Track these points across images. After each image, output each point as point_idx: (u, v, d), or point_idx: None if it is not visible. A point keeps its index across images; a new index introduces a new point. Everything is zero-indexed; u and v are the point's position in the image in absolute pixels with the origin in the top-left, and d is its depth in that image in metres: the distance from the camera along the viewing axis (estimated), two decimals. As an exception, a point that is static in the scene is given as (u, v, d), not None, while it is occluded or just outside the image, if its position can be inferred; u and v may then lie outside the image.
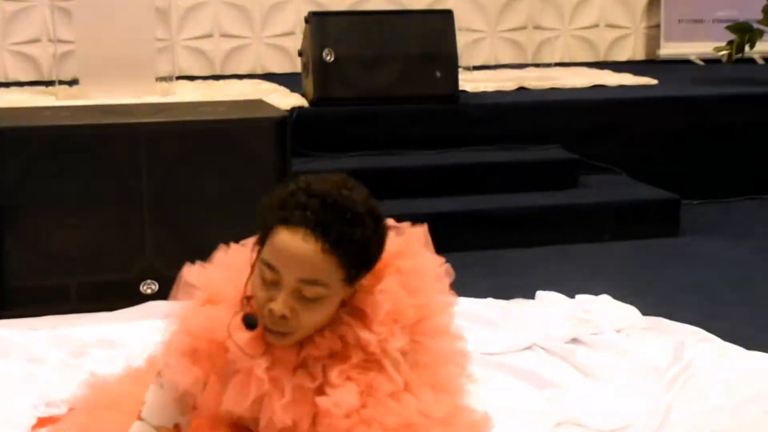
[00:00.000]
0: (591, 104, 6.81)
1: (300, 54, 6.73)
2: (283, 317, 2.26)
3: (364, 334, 2.36)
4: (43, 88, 7.22)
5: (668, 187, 6.27)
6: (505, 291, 4.77)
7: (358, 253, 2.30)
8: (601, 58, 8.70)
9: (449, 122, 6.54)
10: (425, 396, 2.44)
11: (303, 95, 6.61)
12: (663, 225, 6.02)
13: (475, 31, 8.36)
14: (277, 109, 5.12)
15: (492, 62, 8.42)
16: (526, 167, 6.29)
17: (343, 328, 2.37)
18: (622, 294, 4.60)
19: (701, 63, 8.47)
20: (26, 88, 7.32)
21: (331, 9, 7.75)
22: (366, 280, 2.40)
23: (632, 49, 8.80)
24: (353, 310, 2.40)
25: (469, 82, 7.12)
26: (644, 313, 4.42)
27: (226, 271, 2.50)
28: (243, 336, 2.34)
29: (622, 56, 8.74)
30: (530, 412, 3.58)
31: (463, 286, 4.76)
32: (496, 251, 5.63)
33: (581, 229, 5.90)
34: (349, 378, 2.35)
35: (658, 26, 8.68)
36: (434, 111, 6.52)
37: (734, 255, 5.60)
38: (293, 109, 6.12)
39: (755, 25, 7.38)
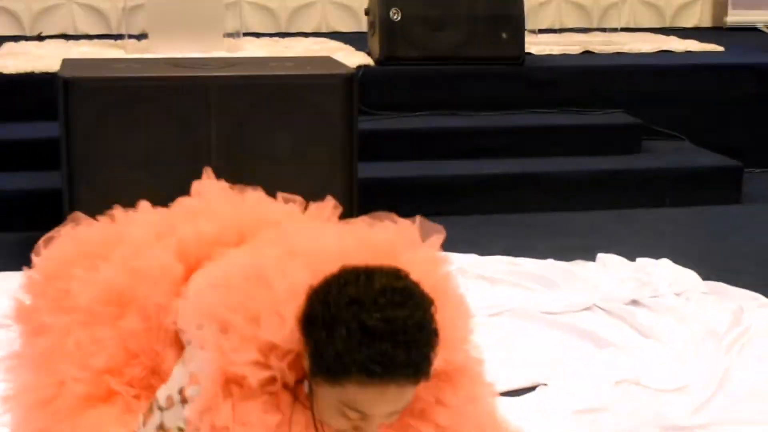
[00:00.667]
0: (656, 70, 6.80)
1: (366, 13, 6.73)
2: None
3: None
4: (111, 41, 7.26)
5: (731, 155, 6.26)
6: (566, 253, 4.81)
7: (430, 365, 2.05)
8: (667, 24, 8.64)
9: (514, 84, 6.53)
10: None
11: (369, 54, 6.62)
12: (725, 192, 6.01)
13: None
14: (346, 66, 5.12)
15: (557, 26, 8.38)
16: (590, 131, 6.29)
17: None
18: (682, 259, 4.64)
19: (768, 31, 8.42)
20: (95, 41, 7.37)
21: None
22: None
23: (699, 16, 8.74)
24: None
25: (535, 45, 7.10)
26: (704, 278, 4.45)
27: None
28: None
29: (689, 23, 8.69)
30: (589, 371, 3.62)
31: (524, 248, 4.87)
32: (558, 214, 5.65)
33: (643, 194, 5.90)
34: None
35: (726, -8, 8.65)
36: (499, 73, 6.51)
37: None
38: (359, 67, 6.10)
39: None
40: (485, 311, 4.12)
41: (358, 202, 4.62)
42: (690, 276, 4.47)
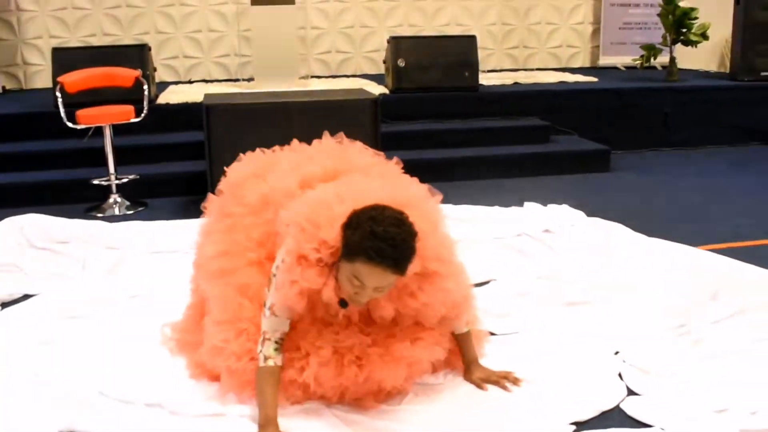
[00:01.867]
0: (557, 92, 6.73)
1: (384, 62, 6.71)
2: (363, 302, 2.22)
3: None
4: (232, 83, 7.28)
5: (603, 143, 6.20)
6: (505, 203, 4.79)
7: (409, 263, 2.16)
8: (563, 65, 8.57)
9: (472, 103, 6.47)
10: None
11: (385, 86, 6.60)
12: (600, 165, 5.95)
13: (487, 48, 8.27)
14: (372, 93, 5.12)
15: (498, 68, 8.33)
16: (517, 130, 6.22)
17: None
18: (574, 204, 4.62)
19: (623, 69, 8.32)
20: (222, 83, 7.37)
21: (403, 35, 7.72)
22: None
23: (582, 60, 8.64)
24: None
25: (485, 79, 7.06)
26: (588, 215, 4.44)
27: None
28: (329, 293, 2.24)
29: (576, 64, 8.60)
30: (519, 270, 3.65)
31: (480, 201, 4.87)
32: (500, 180, 5.64)
33: (550, 168, 5.85)
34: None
35: (598, 46, 8.54)
36: (463, 96, 6.47)
37: (643, 185, 5.55)
38: (380, 94, 6.04)
39: (657, 45, 7.26)
40: (459, 239, 4.12)
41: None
42: (579, 214, 4.46)
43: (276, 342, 2.30)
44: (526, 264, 3.73)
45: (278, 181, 2.55)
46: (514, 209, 4.63)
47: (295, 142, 2.80)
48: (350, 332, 2.37)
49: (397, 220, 2.13)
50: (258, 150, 2.78)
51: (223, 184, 2.72)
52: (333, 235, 2.18)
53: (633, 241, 3.97)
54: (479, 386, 2.55)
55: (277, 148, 2.77)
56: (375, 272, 2.10)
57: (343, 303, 2.27)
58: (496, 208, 4.65)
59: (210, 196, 2.76)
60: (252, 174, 2.66)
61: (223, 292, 2.50)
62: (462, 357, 2.60)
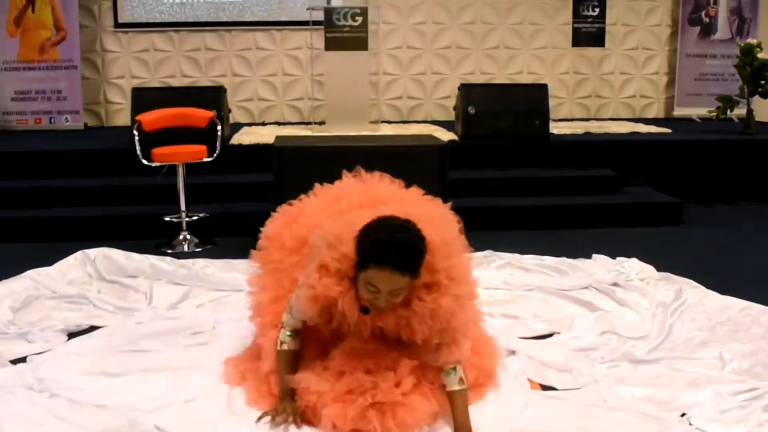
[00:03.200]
0: (629, 143, 6.61)
1: (454, 109, 6.73)
2: (381, 308, 2.38)
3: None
4: (303, 126, 7.39)
5: (675, 195, 6.04)
6: (574, 253, 4.70)
7: (419, 266, 2.35)
8: (636, 115, 8.46)
9: (543, 152, 6.42)
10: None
11: (455, 133, 6.59)
12: (672, 218, 5.79)
13: (559, 97, 8.24)
14: (441, 140, 5.13)
15: (569, 117, 8.28)
16: (588, 180, 6.12)
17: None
18: (645, 258, 4.49)
19: (699, 120, 8.16)
20: (295, 126, 7.48)
21: (474, 82, 7.75)
22: None
23: (656, 111, 8.52)
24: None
25: (556, 128, 7.00)
26: (658, 270, 4.32)
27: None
28: (350, 302, 2.43)
29: (650, 115, 8.48)
30: (585, 325, 3.55)
31: (548, 250, 4.79)
32: (569, 231, 5.53)
33: (623, 220, 5.72)
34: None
35: (672, 97, 8.40)
36: (533, 144, 6.43)
37: (717, 240, 5.37)
38: (449, 140, 6.09)
39: (734, 97, 7.10)
40: (523, 288, 4.07)
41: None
42: (649, 268, 4.34)
43: (290, 331, 2.60)
44: (592, 318, 3.64)
45: (309, 218, 2.75)
46: (582, 261, 4.54)
47: (317, 186, 2.98)
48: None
49: (403, 226, 2.33)
50: (286, 203, 2.96)
51: (262, 239, 2.87)
52: (351, 248, 2.36)
53: (705, 298, 3.85)
54: None
55: (303, 195, 2.96)
56: (385, 275, 2.29)
57: (365, 310, 2.44)
58: (564, 258, 4.56)
59: (252, 252, 2.90)
60: (285, 224, 2.84)
61: (271, 346, 2.67)
62: (454, 422, 2.48)
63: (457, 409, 2.47)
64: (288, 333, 2.60)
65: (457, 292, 2.43)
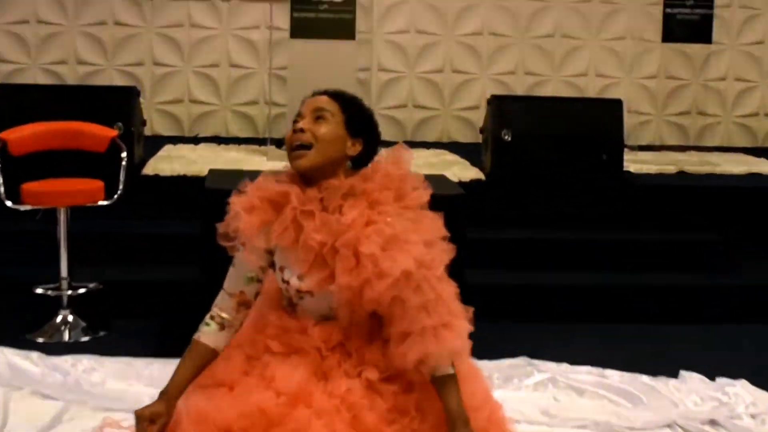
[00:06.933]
0: (746, 190, 6.62)
1: (481, 131, 6.74)
2: (302, 130, 2.93)
3: (368, 184, 2.93)
4: (256, 147, 7.36)
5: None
6: (650, 364, 4.63)
7: (354, 109, 3.04)
8: (760, 143, 8.47)
9: (610, 201, 6.42)
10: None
11: (481, 169, 6.59)
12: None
13: (641, 113, 8.26)
14: (456, 187, 5.09)
15: (657, 143, 8.29)
16: (678, 247, 6.11)
17: (352, 180, 2.94)
18: (760, 379, 4.43)
19: None
20: (243, 146, 7.46)
21: (513, 89, 7.78)
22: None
23: (789, 137, 8.58)
24: (360, 176, 2.96)
25: (633, 163, 7.00)
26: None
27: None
28: (282, 177, 3.02)
29: (780, 143, 8.53)
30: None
31: (611, 357, 4.74)
32: (644, 325, 5.46)
33: (730, 311, 5.67)
34: (355, 208, 2.91)
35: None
36: (598, 189, 6.43)
37: None
38: (473, 181, 6.13)
39: None
40: (572, 423, 4.03)
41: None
42: (766, 399, 4.27)
43: (211, 316, 2.99)
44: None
45: None
46: (663, 381, 4.48)
47: None
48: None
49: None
50: None
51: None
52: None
53: None
54: None
55: None
56: (313, 96, 3.04)
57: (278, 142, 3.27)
58: (637, 376, 4.51)
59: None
60: None
61: None
62: (444, 410, 2.84)
63: (449, 395, 2.84)
64: (207, 320, 3.00)
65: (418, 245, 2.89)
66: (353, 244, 2.85)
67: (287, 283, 2.97)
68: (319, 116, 2.97)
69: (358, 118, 3.03)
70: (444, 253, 2.99)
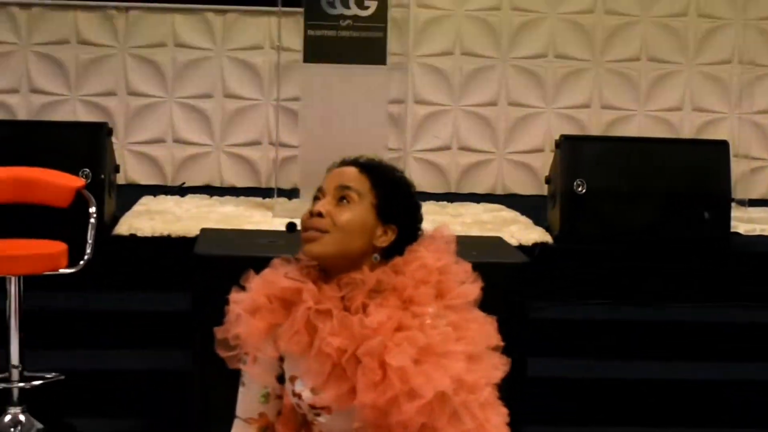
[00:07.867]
0: None
1: (547, 181, 6.77)
2: (320, 214, 2.86)
3: (400, 279, 2.88)
4: (259, 199, 7.40)
5: None
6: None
7: (389, 187, 2.95)
8: None
9: (715, 272, 6.42)
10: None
11: (547, 229, 6.60)
12: None
13: (756, 158, 8.28)
14: (515, 252, 5.14)
15: (774, 195, 8.31)
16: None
17: (380, 273, 2.89)
18: None
19: None
20: (242, 199, 7.47)
21: (587, 128, 7.79)
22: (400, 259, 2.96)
23: None
24: (390, 268, 2.91)
25: (743, 223, 7.02)
26: None
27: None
28: (294, 271, 2.95)
29: None
30: None
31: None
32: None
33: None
34: (383, 307, 2.86)
35: None
36: (698, 257, 6.45)
37: None
38: (535, 245, 6.15)
39: None
40: None
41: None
42: None
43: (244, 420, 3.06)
44: None
45: None
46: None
47: None
48: None
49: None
50: None
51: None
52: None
53: None
54: None
55: None
56: (338, 168, 2.99)
57: (290, 227, 3.20)
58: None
59: None
60: None
61: None
62: None
63: None
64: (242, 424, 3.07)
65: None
66: (379, 353, 2.82)
67: (299, 396, 2.95)
68: (343, 196, 2.92)
69: (393, 201, 2.96)
70: (494, 369, 2.94)
